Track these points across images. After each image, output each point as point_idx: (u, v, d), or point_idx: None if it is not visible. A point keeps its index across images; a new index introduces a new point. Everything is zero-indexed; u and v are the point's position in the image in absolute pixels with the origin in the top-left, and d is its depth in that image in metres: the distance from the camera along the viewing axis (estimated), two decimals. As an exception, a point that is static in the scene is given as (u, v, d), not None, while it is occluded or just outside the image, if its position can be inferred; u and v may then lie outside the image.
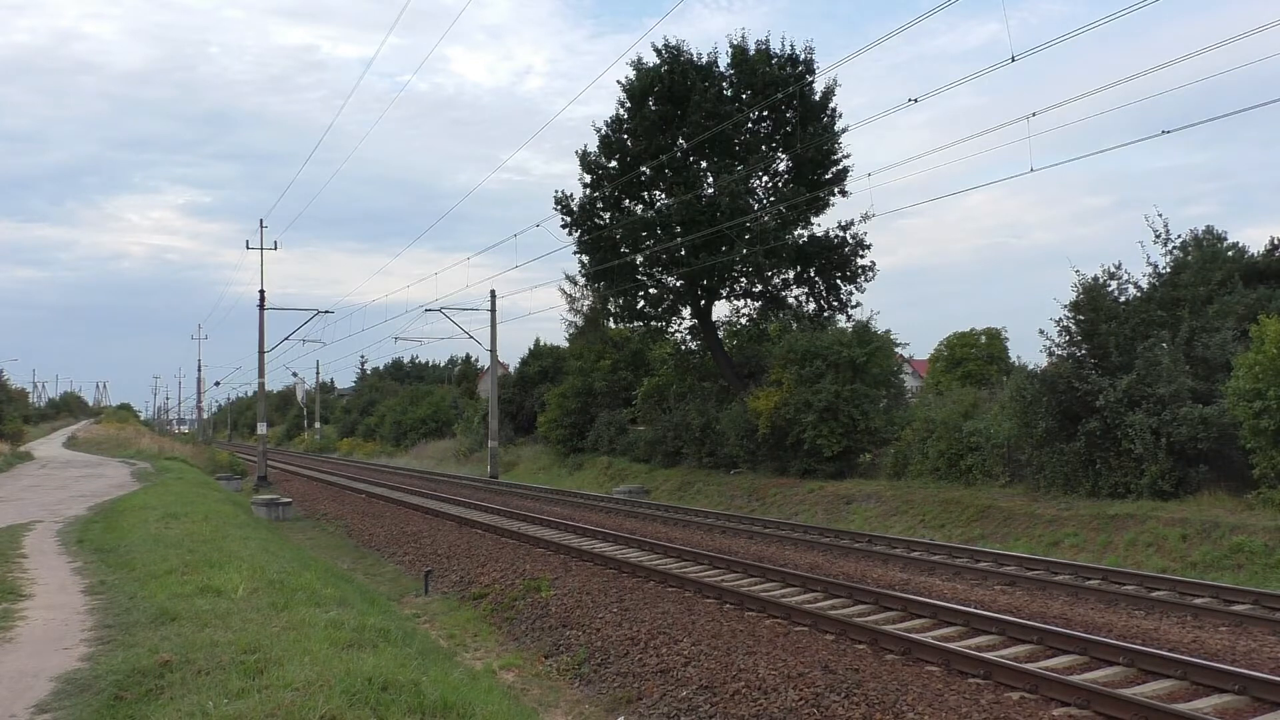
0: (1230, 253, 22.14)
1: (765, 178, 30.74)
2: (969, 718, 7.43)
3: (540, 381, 46.85)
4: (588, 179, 31.67)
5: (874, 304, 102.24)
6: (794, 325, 31.01)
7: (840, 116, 30.31)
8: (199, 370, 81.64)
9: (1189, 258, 21.74)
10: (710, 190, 29.35)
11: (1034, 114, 16.56)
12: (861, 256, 30.89)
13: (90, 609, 9.00)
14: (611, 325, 36.86)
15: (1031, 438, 19.35)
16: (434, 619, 13.24)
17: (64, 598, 9.61)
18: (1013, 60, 15.31)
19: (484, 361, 58.41)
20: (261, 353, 39.56)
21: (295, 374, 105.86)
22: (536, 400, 45.45)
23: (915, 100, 17.81)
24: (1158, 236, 22.01)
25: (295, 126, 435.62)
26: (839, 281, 31.28)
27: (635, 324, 34.62)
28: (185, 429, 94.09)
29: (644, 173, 30.36)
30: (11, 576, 10.68)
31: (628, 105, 30.40)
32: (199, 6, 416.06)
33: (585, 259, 32.27)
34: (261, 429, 39.78)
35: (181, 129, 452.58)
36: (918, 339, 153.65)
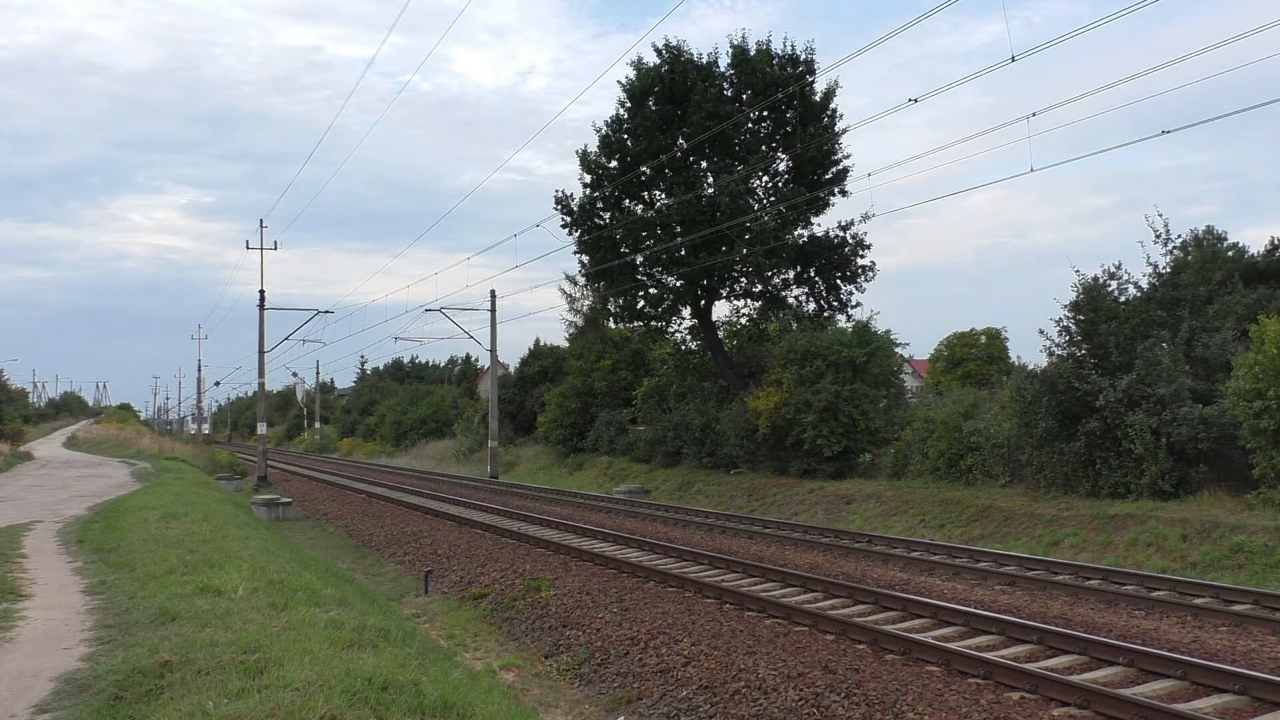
0: (1230, 253, 22.15)
1: (765, 178, 30.74)
2: (969, 718, 7.43)
3: (540, 381, 46.85)
4: (588, 179, 31.69)
5: (874, 304, 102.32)
6: (794, 325, 30.99)
7: (841, 117, 30.39)
8: (199, 370, 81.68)
9: (1189, 258, 21.74)
10: (710, 190, 29.35)
11: (1034, 114, 16.57)
12: (861, 256, 30.91)
13: (90, 609, 9.00)
14: (611, 325, 36.86)
15: (1031, 438, 19.35)
16: (434, 619, 13.24)
17: (64, 598, 9.61)
18: (1013, 60, 15.33)
19: (484, 361, 58.46)
20: (261, 353, 39.56)
21: (295, 374, 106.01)
22: (536, 400, 45.46)
23: (915, 100, 17.83)
24: (1158, 236, 22.04)
25: (299, 127, 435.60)
26: (839, 281, 31.28)
27: (635, 324, 34.61)
28: (205, 427, 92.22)
29: (644, 173, 30.36)
30: (11, 576, 10.68)
31: (628, 105, 30.40)
32: (203, 7, 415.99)
33: (585, 259, 32.28)
34: (261, 429, 39.77)
35: (185, 129, 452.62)
36: (918, 339, 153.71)
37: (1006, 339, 35.93)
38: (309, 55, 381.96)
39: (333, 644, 7.18)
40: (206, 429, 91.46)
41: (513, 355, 71.47)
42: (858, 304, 31.30)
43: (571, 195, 31.82)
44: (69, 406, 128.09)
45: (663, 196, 31.02)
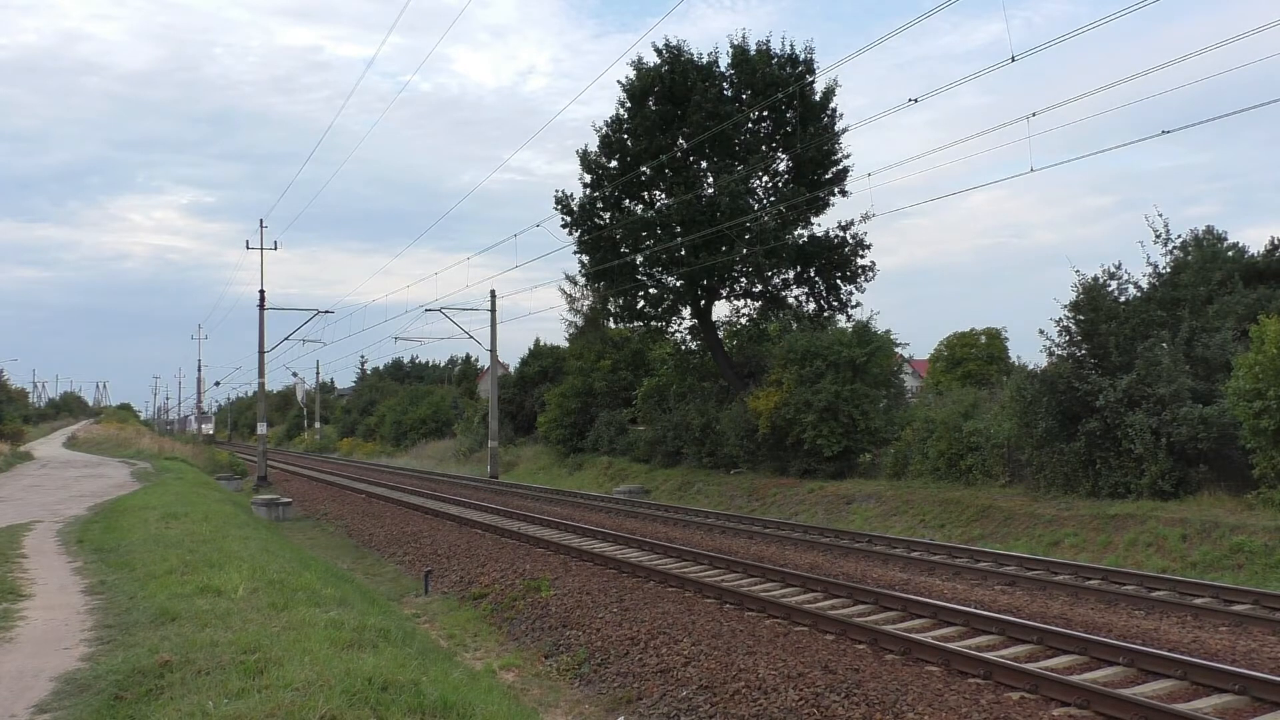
0: (1230, 253, 22.15)
1: (765, 178, 30.74)
2: (969, 718, 7.43)
3: (540, 381, 46.85)
4: (588, 179, 31.70)
5: (875, 304, 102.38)
6: (794, 325, 31.00)
7: (841, 117, 30.39)
8: (199, 370, 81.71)
9: (1189, 258, 21.74)
10: (710, 190, 29.35)
11: (1034, 114, 16.57)
12: (861, 256, 30.92)
13: (90, 609, 9.00)
14: (611, 325, 36.86)
15: (1031, 438, 19.35)
16: (434, 619, 13.24)
17: (64, 598, 9.61)
18: (1013, 60, 15.33)
19: (484, 361, 58.45)
20: (261, 353, 39.57)
21: (295, 374, 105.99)
22: (536, 400, 45.45)
23: (915, 100, 17.82)
24: (1158, 236, 22.05)
25: (299, 127, 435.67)
26: (839, 281, 31.28)
27: (635, 324, 34.61)
28: (209, 428, 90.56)
29: (644, 173, 30.36)
30: (11, 576, 10.68)
31: (628, 105, 30.41)
32: (203, 7, 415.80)
33: (585, 259, 32.29)
34: (261, 429, 39.78)
35: (186, 129, 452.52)
36: (919, 339, 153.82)
37: (1006, 339, 35.97)
38: (309, 55, 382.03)
39: (333, 644, 7.18)
40: (210, 429, 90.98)
41: (513, 355, 71.52)
42: (858, 304, 31.35)
43: (571, 195, 31.85)
44: (69, 406, 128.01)
45: (663, 196, 31.02)
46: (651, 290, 32.48)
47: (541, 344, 50.17)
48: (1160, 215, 26.52)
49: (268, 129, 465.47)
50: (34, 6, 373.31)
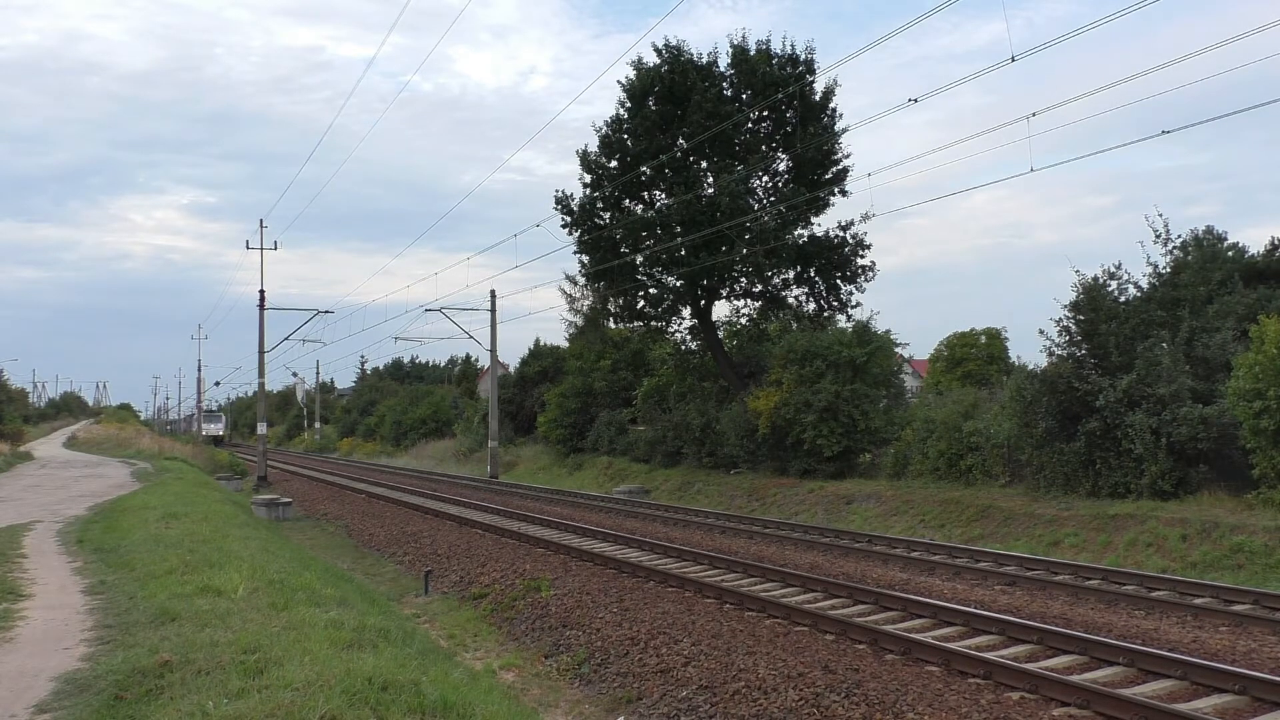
0: (1230, 253, 22.18)
1: (765, 178, 30.75)
2: (969, 718, 7.43)
3: (540, 381, 46.86)
4: (588, 179, 31.72)
5: (876, 304, 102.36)
6: (794, 325, 31.01)
7: (840, 117, 30.41)
8: (199, 370, 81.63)
9: (1189, 258, 21.75)
10: (710, 190, 29.36)
11: (1034, 114, 16.56)
12: (861, 256, 30.93)
13: (90, 609, 9.00)
14: (611, 325, 36.87)
15: (1031, 438, 19.35)
16: (434, 619, 13.25)
17: (64, 598, 9.61)
18: (1013, 60, 15.34)
19: (484, 361, 58.44)
20: (261, 353, 39.57)
21: (295, 374, 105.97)
22: (536, 400, 45.46)
23: (915, 100, 17.82)
24: (1158, 236, 22.06)
25: (300, 127, 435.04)
26: (839, 281, 31.29)
27: (635, 324, 34.64)
28: (218, 428, 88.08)
29: (644, 173, 30.37)
30: (11, 576, 10.67)
31: (628, 105, 30.43)
32: (204, 8, 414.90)
33: (585, 259, 32.31)
34: (261, 429, 39.80)
35: (186, 129, 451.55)
36: (918, 339, 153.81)
37: (1006, 339, 35.99)
38: (309, 55, 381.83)
39: (333, 644, 7.18)
40: (220, 429, 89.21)
41: (513, 355, 71.45)
42: (858, 304, 31.35)
43: (572, 195, 31.87)
44: (69, 406, 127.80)
45: (663, 196, 31.03)
46: (651, 290, 32.49)
47: (541, 344, 50.25)
48: (1160, 215, 26.55)
49: (268, 129, 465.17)
50: (35, 6, 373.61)
